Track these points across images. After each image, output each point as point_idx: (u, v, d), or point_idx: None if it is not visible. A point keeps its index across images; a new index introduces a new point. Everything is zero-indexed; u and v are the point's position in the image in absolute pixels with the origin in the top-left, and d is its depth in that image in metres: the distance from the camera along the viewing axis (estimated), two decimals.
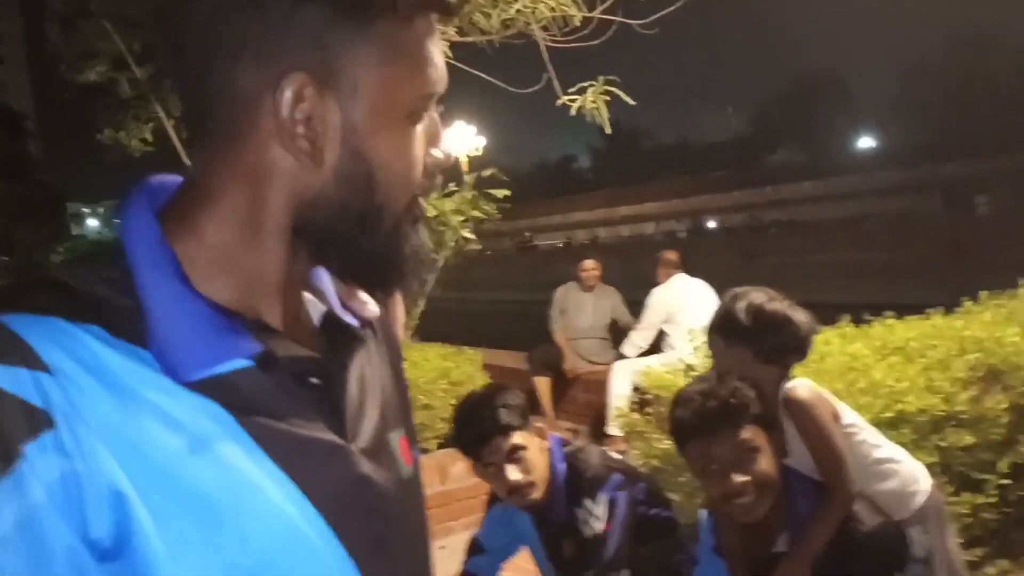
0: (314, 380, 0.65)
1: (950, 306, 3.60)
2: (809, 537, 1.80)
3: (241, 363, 0.60)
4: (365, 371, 0.72)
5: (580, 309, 6.30)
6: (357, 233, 0.63)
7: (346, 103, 0.60)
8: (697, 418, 1.82)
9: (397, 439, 0.72)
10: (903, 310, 3.60)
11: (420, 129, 0.65)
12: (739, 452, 1.79)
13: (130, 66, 4.76)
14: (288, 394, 0.62)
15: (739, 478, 1.77)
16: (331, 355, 0.68)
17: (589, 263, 6.36)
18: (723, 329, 2.11)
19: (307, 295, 0.71)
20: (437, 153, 0.67)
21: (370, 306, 0.74)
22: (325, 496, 0.61)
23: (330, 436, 0.64)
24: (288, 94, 0.58)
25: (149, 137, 5.11)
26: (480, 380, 5.31)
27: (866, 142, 55.93)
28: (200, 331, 0.59)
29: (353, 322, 0.72)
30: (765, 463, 1.80)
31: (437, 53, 0.64)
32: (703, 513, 2.11)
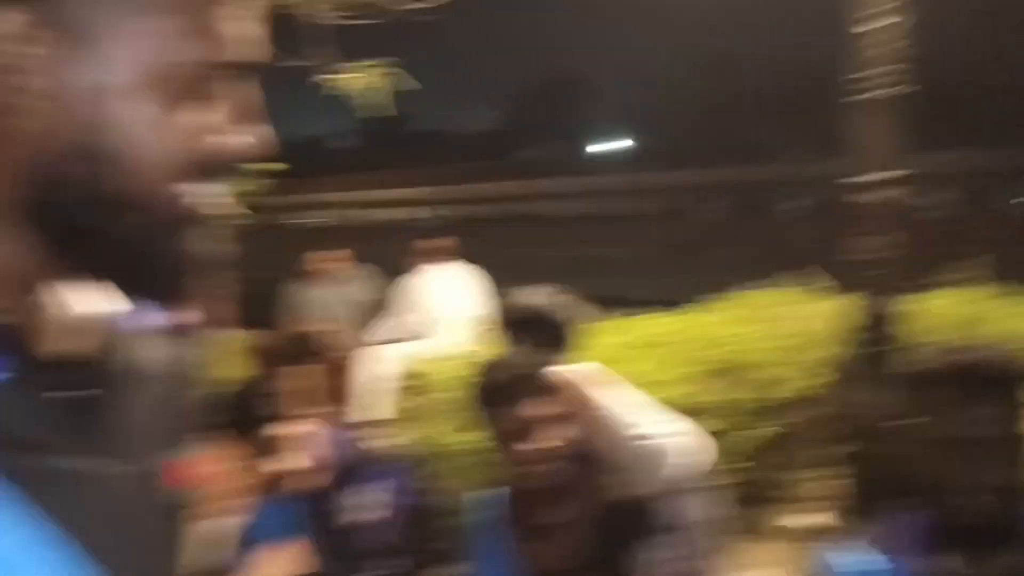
0: (75, 394, 0.53)
1: (669, 302, 3.97)
2: (572, 504, 1.93)
3: None
4: (141, 384, 0.60)
5: (326, 307, 5.80)
6: (97, 221, 0.50)
7: (85, 57, 0.48)
8: (494, 385, 1.94)
9: (162, 462, 0.63)
10: (629, 304, 3.93)
11: (195, 105, 0.52)
12: (537, 419, 1.90)
13: None
14: (38, 413, 0.51)
15: (538, 443, 1.89)
16: (102, 367, 0.56)
17: (338, 253, 6.03)
18: (502, 324, 2.34)
19: (85, 294, 0.55)
20: (221, 139, 0.53)
21: (182, 312, 0.62)
22: (76, 526, 0.52)
23: (85, 460, 0.54)
24: None
25: None
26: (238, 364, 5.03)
27: (604, 146, 60.06)
28: None
29: (146, 327, 0.60)
30: (562, 431, 1.93)
31: (233, 20, 0.53)
32: (484, 492, 2.18)
